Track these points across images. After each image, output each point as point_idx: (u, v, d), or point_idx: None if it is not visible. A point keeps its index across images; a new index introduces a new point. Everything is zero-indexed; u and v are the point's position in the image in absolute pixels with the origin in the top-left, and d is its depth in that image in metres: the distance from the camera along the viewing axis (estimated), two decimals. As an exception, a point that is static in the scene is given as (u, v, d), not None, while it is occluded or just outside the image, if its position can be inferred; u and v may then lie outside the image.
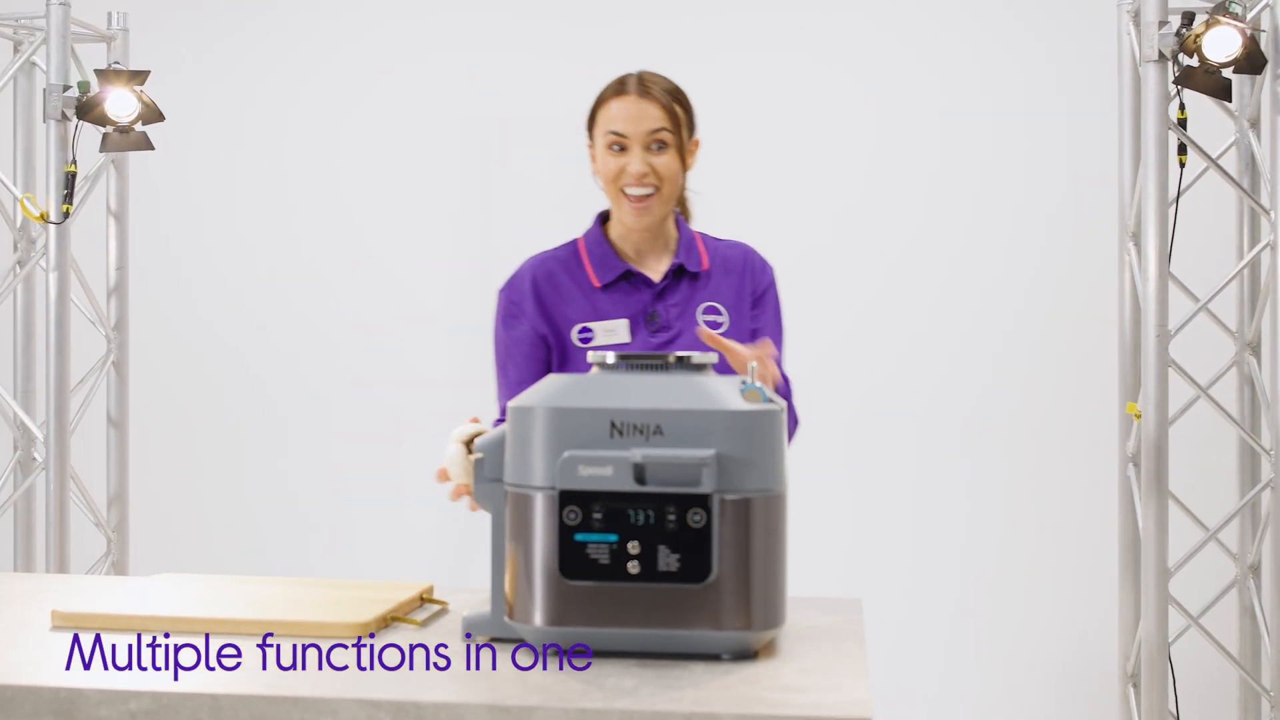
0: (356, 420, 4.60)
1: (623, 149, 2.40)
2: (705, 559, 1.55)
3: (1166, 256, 3.29)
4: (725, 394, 1.60)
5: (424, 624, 1.84)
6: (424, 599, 1.98)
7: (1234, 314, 3.65)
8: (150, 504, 4.32)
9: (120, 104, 3.58)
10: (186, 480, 4.65)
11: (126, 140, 3.63)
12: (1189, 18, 3.19)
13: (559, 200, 4.45)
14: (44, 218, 3.70)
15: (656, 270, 2.48)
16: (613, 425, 1.57)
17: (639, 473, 1.56)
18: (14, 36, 3.91)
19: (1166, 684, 3.29)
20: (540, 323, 2.45)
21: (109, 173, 3.99)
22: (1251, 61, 3.11)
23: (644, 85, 2.41)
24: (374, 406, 4.59)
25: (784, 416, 1.64)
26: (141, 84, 3.62)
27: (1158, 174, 3.29)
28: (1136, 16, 3.48)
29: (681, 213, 2.57)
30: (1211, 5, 3.20)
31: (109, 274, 4.03)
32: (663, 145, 2.39)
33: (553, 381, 1.66)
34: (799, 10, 4.41)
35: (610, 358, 1.66)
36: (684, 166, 2.46)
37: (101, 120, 3.59)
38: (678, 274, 2.46)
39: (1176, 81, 3.20)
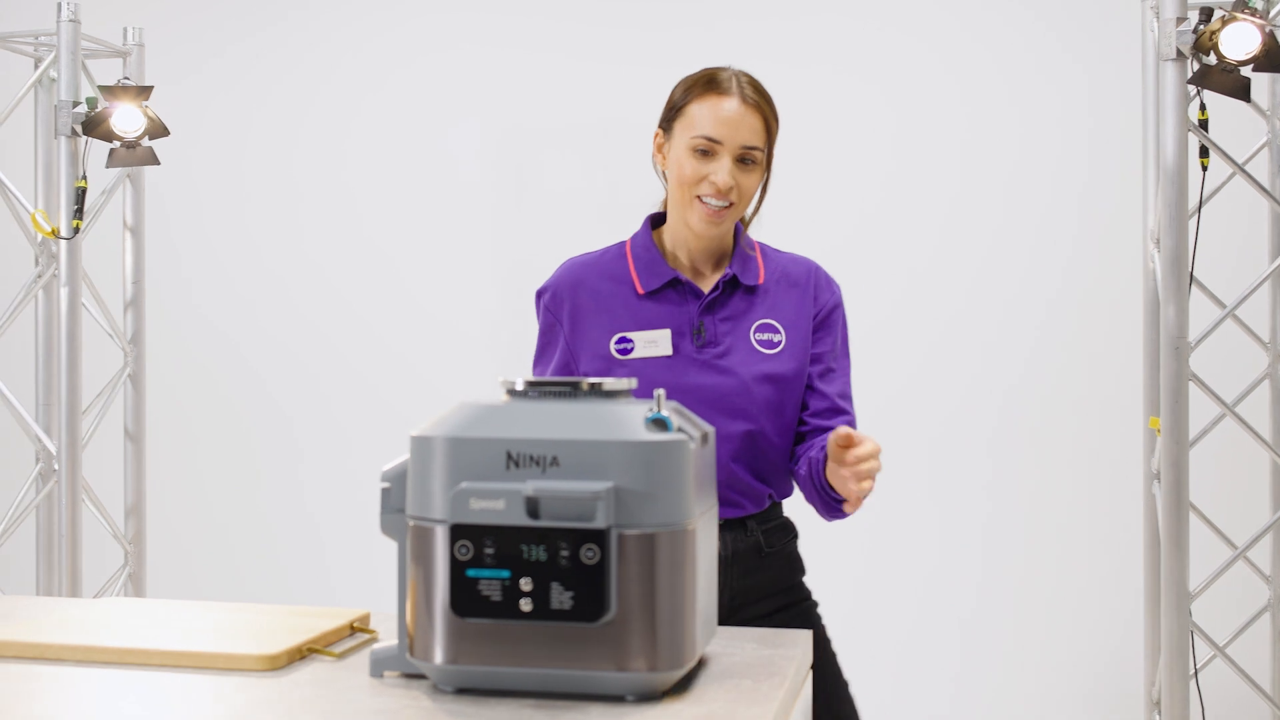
0: (371, 431, 4.58)
1: (710, 154, 2.15)
2: (600, 596, 1.48)
3: (1186, 263, 3.16)
4: (629, 423, 1.52)
5: (342, 656, 1.79)
6: (354, 628, 1.93)
7: (1266, 323, 3.49)
8: (166, 515, 4.34)
9: (126, 119, 3.59)
10: (202, 492, 4.66)
11: (133, 155, 3.64)
12: (1207, 14, 3.05)
13: (587, 207, 4.41)
14: (55, 233, 3.72)
15: (707, 281, 2.25)
16: (509, 456, 1.50)
17: (531, 507, 1.49)
18: (34, 53, 3.94)
19: (1190, 713, 3.15)
20: (573, 341, 2.25)
21: (124, 187, 4.01)
22: (1271, 59, 2.96)
23: (747, 90, 2.17)
24: (388, 417, 4.57)
25: (689, 451, 1.55)
26: (147, 99, 3.62)
27: (1177, 177, 3.15)
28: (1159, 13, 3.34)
29: (740, 220, 2.30)
30: (1230, 1, 3.06)
31: (125, 287, 4.05)
32: (753, 162, 2.16)
33: (456, 410, 1.59)
34: (822, 16, 4.31)
35: (519, 384, 1.60)
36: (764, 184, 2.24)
37: (108, 136, 3.60)
38: (730, 286, 2.22)
39: (1192, 80, 3.06)
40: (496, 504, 1.49)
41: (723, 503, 2.19)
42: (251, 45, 4.67)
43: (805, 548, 2.32)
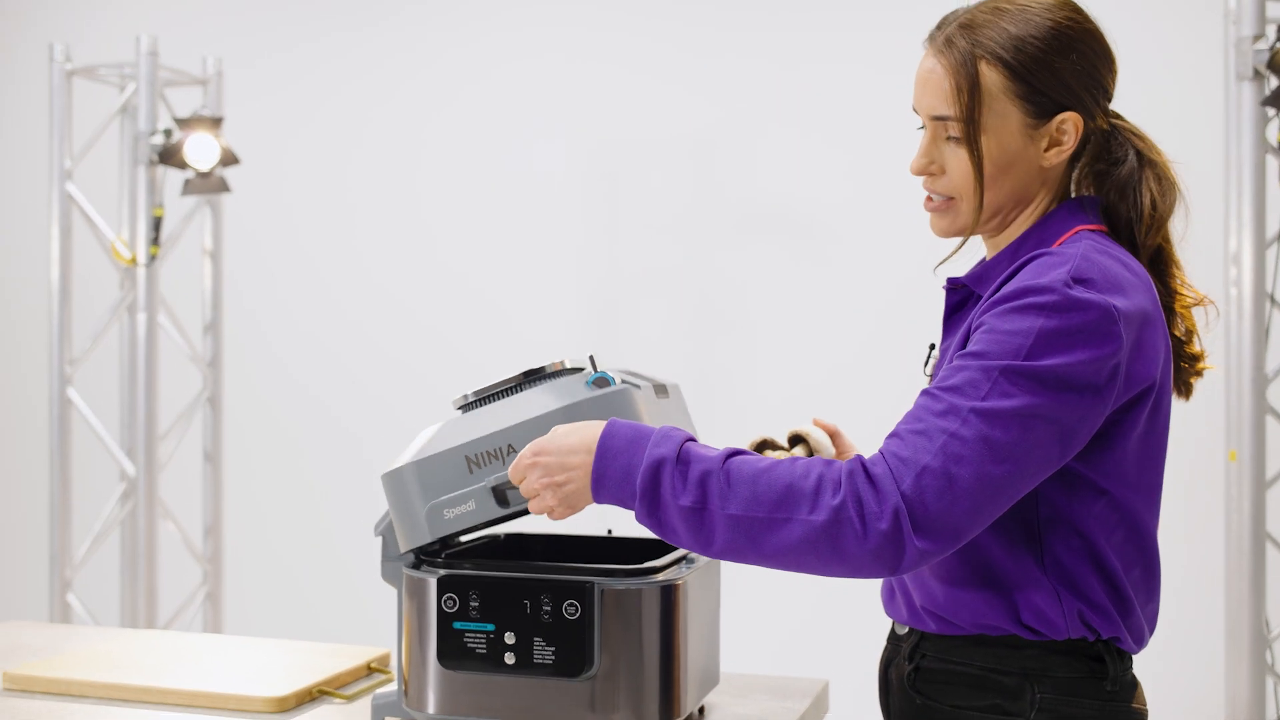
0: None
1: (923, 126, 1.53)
2: (582, 652, 1.47)
3: (1265, 290, 3.04)
4: (572, 390, 1.51)
5: (352, 699, 1.80)
6: (372, 668, 1.94)
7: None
8: (244, 534, 4.42)
9: (200, 150, 3.67)
10: (278, 511, 4.74)
11: (206, 184, 3.72)
12: (1283, 32, 2.94)
13: (668, 220, 4.40)
14: (133, 261, 3.82)
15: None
16: (468, 460, 1.51)
17: (500, 497, 1.50)
18: (119, 83, 4.05)
19: (1267, 757, 3.03)
20: None
21: (204, 213, 4.10)
22: (1349, 79, 2.84)
23: (938, 36, 1.50)
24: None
25: (637, 396, 1.48)
26: (220, 130, 3.70)
27: (1254, 200, 3.05)
28: (1237, 31, 3.23)
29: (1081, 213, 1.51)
30: (1308, 18, 2.94)
31: (204, 311, 4.14)
32: (954, 137, 1.47)
33: (415, 439, 1.61)
34: (916, 33, 4.24)
35: (469, 394, 1.60)
36: (993, 160, 1.46)
37: (183, 165, 3.68)
38: (962, 294, 1.58)
39: (1266, 102, 2.94)
40: (468, 506, 1.51)
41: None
42: (326, 70, 4.74)
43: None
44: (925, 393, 1.36)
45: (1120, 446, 1.39)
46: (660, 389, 1.63)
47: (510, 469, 1.44)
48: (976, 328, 1.39)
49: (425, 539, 1.54)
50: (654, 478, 1.35)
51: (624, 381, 1.52)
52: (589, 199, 4.47)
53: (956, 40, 1.46)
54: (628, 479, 1.37)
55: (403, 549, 1.58)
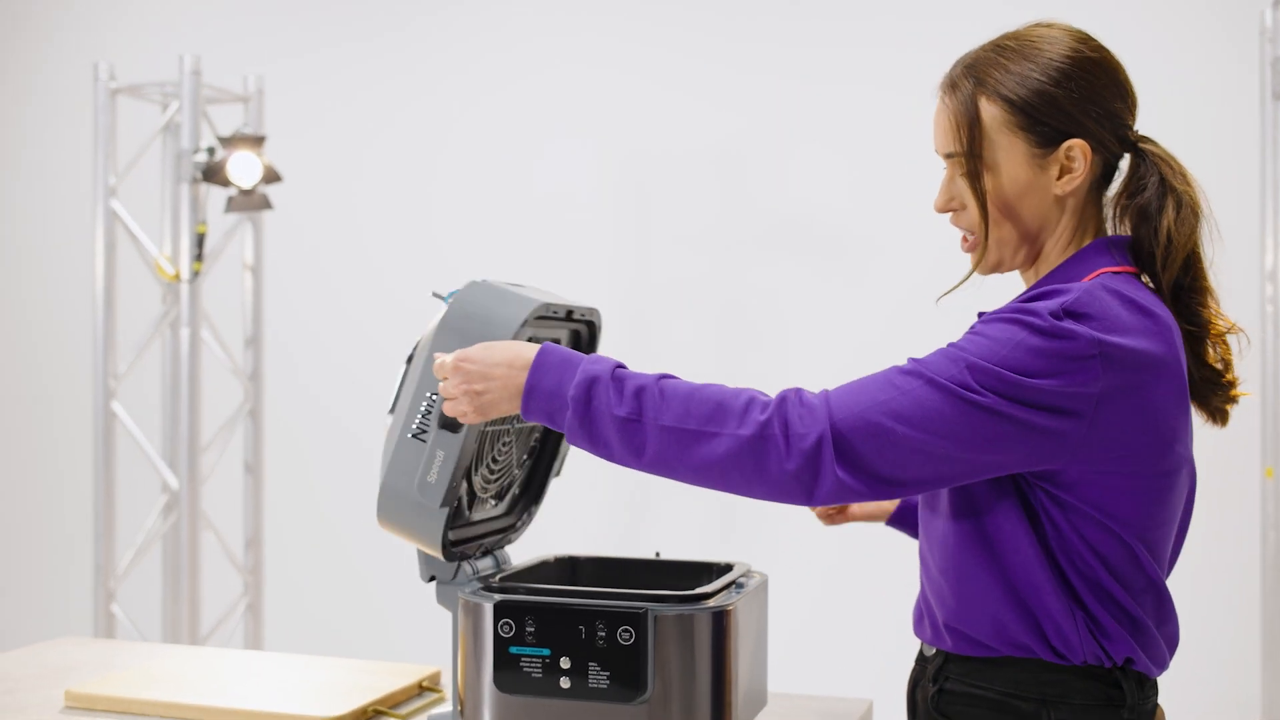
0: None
1: None
2: (636, 677, 1.50)
3: (1302, 309, 3.04)
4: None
5: (406, 718, 1.84)
6: (423, 687, 1.98)
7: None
8: (284, 546, 4.47)
9: (242, 168, 3.73)
10: (319, 524, 4.78)
11: (249, 201, 3.77)
12: (1320, 52, 2.95)
13: (695, 233, 4.43)
14: (177, 277, 3.88)
15: None
16: (414, 436, 1.60)
17: (450, 424, 1.57)
18: (162, 101, 4.11)
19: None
20: None
21: (245, 229, 4.16)
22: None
23: (948, 74, 1.56)
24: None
25: (487, 284, 1.62)
26: (262, 148, 3.76)
27: (1291, 220, 3.04)
28: None
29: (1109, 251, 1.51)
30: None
31: (245, 326, 4.20)
32: (964, 173, 1.52)
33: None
34: (943, 46, 4.26)
35: (392, 399, 1.68)
36: (1003, 193, 1.49)
37: (225, 183, 3.74)
38: None
39: (1303, 122, 2.95)
40: (439, 457, 1.58)
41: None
42: (366, 87, 4.79)
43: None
44: (902, 370, 1.40)
45: (1122, 489, 1.41)
46: (564, 313, 1.70)
47: (435, 365, 1.52)
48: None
49: (438, 524, 1.59)
50: (588, 390, 1.42)
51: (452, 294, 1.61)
52: (618, 210, 4.50)
53: (960, 81, 1.53)
54: (559, 391, 1.43)
55: (429, 548, 1.63)
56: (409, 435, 1.58)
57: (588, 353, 1.77)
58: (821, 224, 4.32)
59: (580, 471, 4.48)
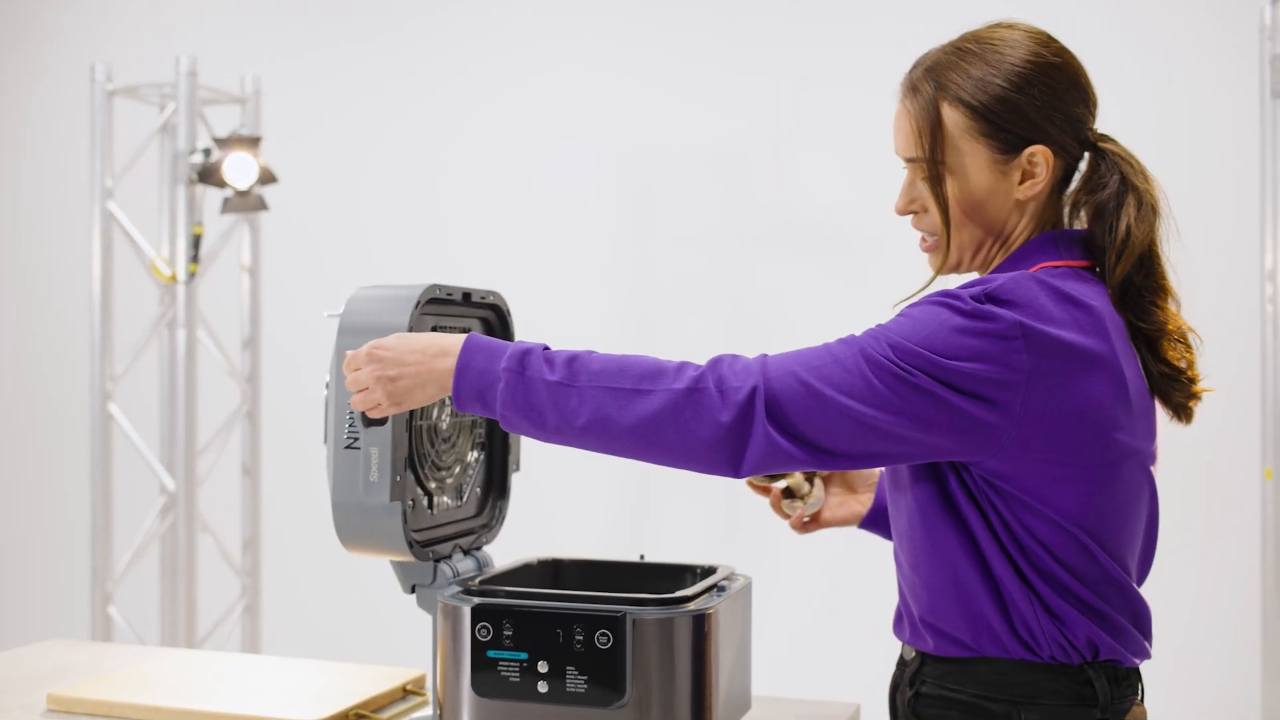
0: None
1: None
2: (615, 681, 1.48)
3: (1301, 308, 3.02)
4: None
5: (387, 722, 1.82)
6: (407, 690, 1.96)
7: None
8: (283, 548, 4.46)
9: (238, 169, 3.72)
10: (317, 525, 4.76)
11: (245, 202, 3.77)
12: (1318, 49, 2.93)
13: (697, 234, 4.41)
14: (173, 279, 3.87)
15: None
16: (346, 448, 1.61)
17: (366, 420, 1.56)
18: (159, 103, 4.11)
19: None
20: None
21: (242, 230, 4.15)
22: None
23: (908, 75, 1.55)
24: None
25: (365, 293, 1.61)
26: (258, 149, 3.75)
27: (1290, 219, 3.02)
28: None
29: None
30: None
31: (242, 327, 4.19)
32: (925, 177, 1.52)
33: None
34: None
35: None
36: (965, 198, 1.49)
37: (222, 184, 3.73)
38: None
39: (1302, 120, 2.93)
40: (374, 454, 1.57)
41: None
42: (364, 88, 4.78)
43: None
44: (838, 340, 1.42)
45: (1059, 479, 1.40)
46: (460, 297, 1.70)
47: (347, 358, 1.50)
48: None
49: (396, 522, 1.59)
50: (520, 361, 1.43)
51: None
52: (620, 212, 4.49)
53: (921, 85, 1.52)
54: (489, 368, 1.43)
55: (396, 552, 1.63)
56: (343, 448, 1.58)
57: (504, 337, 1.82)
58: (824, 224, 4.30)
59: (582, 475, 4.48)
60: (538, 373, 1.41)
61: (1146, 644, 1.48)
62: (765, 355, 1.42)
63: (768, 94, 4.33)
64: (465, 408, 1.45)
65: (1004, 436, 1.37)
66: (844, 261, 4.26)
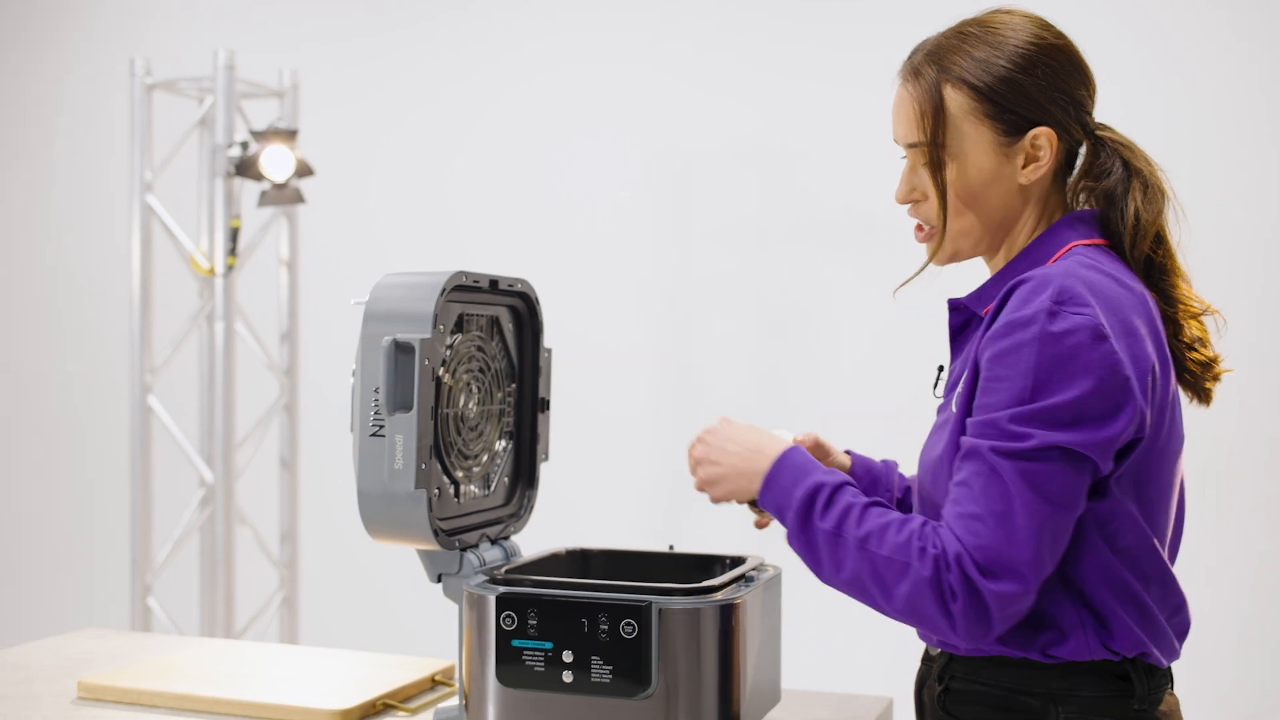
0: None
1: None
2: (640, 671, 1.46)
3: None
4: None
5: (416, 712, 1.82)
6: (436, 680, 1.95)
7: None
8: (321, 539, 4.47)
9: (275, 162, 3.73)
10: (354, 517, 4.78)
11: (282, 195, 3.78)
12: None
13: (730, 229, 4.39)
14: (211, 272, 3.89)
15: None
16: (371, 426, 1.60)
17: (402, 346, 1.56)
18: (198, 96, 4.13)
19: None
20: None
21: (280, 223, 4.16)
22: None
23: (906, 64, 1.54)
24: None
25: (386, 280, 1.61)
26: (294, 142, 3.76)
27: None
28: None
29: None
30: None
31: (280, 320, 4.20)
32: (925, 163, 1.51)
33: None
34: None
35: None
36: (966, 184, 1.48)
37: (259, 177, 3.74)
38: (965, 314, 1.57)
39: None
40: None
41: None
42: (401, 80, 4.78)
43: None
44: (960, 457, 1.37)
45: (1146, 465, 1.38)
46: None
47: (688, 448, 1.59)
48: (980, 365, 1.38)
49: (421, 509, 1.58)
50: (810, 497, 1.43)
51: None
52: (655, 206, 4.47)
53: (923, 68, 1.50)
54: (790, 493, 1.45)
55: (422, 540, 1.61)
56: (368, 436, 1.57)
57: (533, 326, 1.84)
58: (852, 218, 4.26)
59: (615, 465, 4.46)
60: (818, 516, 1.42)
61: (1178, 644, 1.44)
62: (946, 518, 1.36)
63: (797, 91, 4.29)
64: (767, 509, 1.49)
65: (1134, 427, 1.34)
66: (874, 257, 4.22)
